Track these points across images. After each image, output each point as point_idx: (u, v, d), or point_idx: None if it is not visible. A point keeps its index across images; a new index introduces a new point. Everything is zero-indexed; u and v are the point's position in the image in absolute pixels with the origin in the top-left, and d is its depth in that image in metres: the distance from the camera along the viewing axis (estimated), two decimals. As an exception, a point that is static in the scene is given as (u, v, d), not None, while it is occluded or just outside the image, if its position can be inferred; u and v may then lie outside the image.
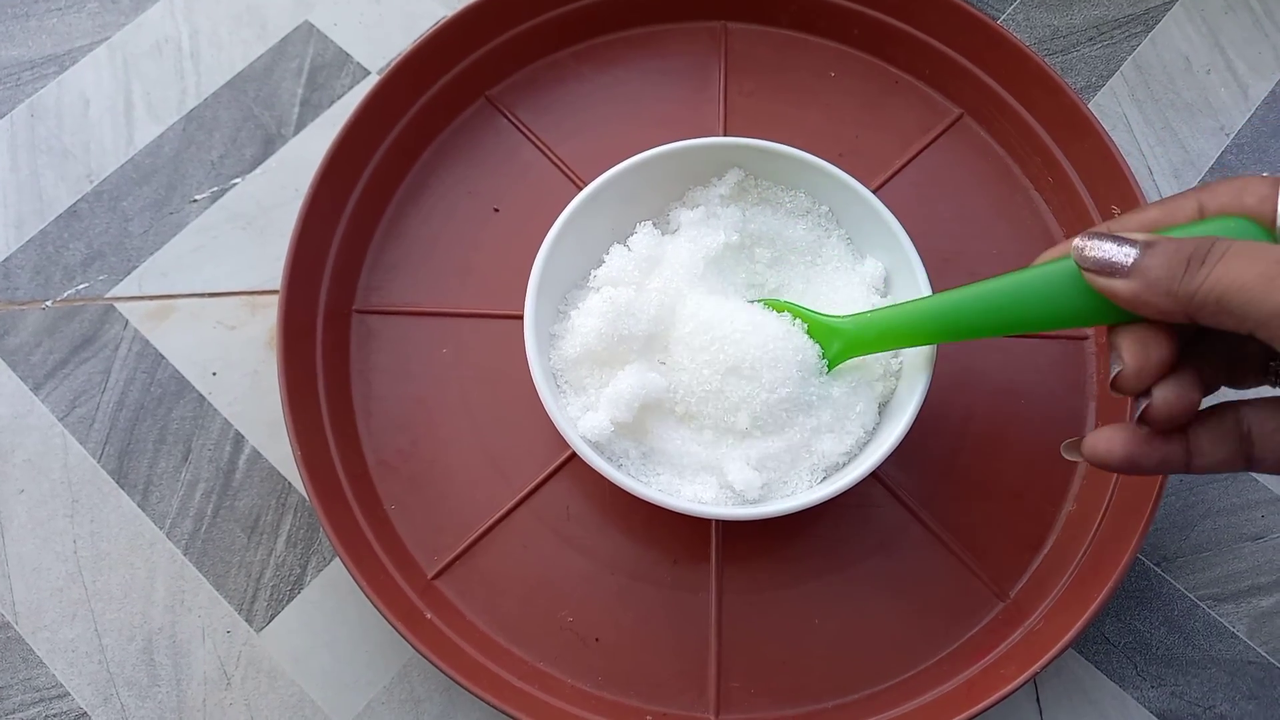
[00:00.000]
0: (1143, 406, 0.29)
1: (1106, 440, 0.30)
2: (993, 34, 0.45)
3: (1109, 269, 0.28)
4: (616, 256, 0.39)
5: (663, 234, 0.41)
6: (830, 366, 0.38)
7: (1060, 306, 0.30)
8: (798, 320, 0.38)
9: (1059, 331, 0.44)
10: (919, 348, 0.37)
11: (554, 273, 0.39)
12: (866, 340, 0.36)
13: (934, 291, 0.38)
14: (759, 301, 0.39)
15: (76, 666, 0.41)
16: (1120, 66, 0.51)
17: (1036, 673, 0.37)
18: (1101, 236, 0.28)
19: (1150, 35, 0.52)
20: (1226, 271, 0.25)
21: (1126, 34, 0.52)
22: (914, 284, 0.38)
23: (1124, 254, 0.28)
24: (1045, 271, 0.30)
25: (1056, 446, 0.42)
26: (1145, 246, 0.27)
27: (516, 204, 0.46)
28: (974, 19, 0.46)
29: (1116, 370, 0.29)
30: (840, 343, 0.37)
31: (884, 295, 0.40)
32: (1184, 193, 0.29)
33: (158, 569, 0.42)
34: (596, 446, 0.37)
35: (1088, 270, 0.28)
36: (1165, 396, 0.28)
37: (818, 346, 0.38)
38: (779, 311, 0.38)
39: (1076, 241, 0.29)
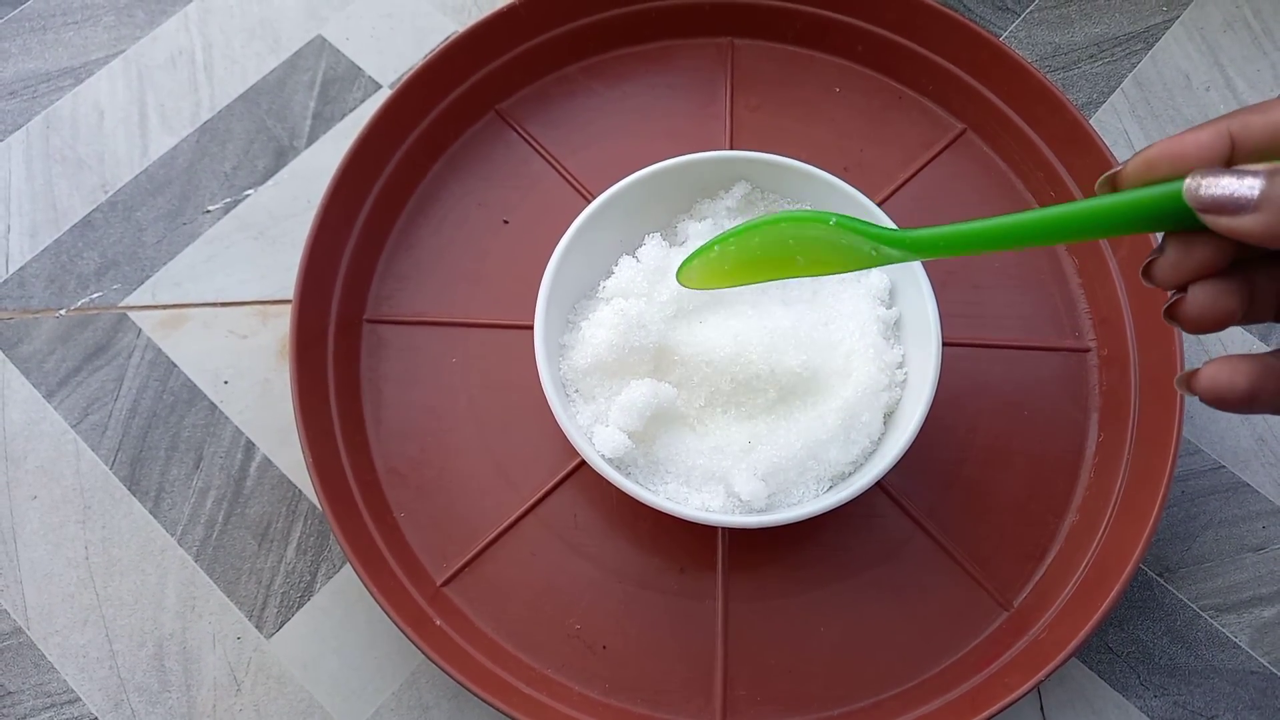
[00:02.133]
0: (1172, 300, 0.26)
1: (1230, 371, 0.26)
2: (995, 51, 0.46)
3: (1231, 206, 0.24)
4: (626, 268, 0.40)
5: (671, 246, 0.42)
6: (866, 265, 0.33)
7: (1143, 226, 0.26)
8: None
9: (1062, 344, 0.45)
10: (927, 360, 0.38)
11: (563, 284, 0.40)
12: (930, 246, 0.31)
13: (938, 305, 0.38)
14: (793, 216, 0.34)
15: (87, 672, 0.41)
16: (1121, 83, 0.52)
17: (1040, 682, 0.37)
18: (1217, 172, 0.25)
19: (1150, 53, 0.53)
20: None
21: (1127, 51, 0.53)
22: (919, 296, 0.39)
23: (1247, 187, 0.24)
24: (1142, 200, 0.26)
25: (1059, 457, 0.43)
26: (1270, 175, 0.24)
27: (526, 216, 0.47)
28: (977, 36, 0.46)
29: (1153, 256, 0.26)
30: (909, 252, 0.32)
31: (889, 308, 0.41)
32: (1211, 122, 0.26)
33: (169, 575, 0.42)
34: (607, 458, 0.37)
35: (1204, 211, 0.25)
36: (1201, 295, 0.26)
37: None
38: (820, 222, 0.33)
39: (1188, 182, 0.25)
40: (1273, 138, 0.25)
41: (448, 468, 0.43)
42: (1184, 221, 0.25)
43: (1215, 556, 0.43)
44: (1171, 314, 0.27)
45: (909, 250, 0.31)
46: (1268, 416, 0.45)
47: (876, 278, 0.41)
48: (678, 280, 0.37)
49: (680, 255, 0.40)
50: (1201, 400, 0.27)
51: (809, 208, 0.42)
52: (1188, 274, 0.26)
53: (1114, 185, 0.27)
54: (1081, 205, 0.27)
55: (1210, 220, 0.25)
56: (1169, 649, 0.42)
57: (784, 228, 0.33)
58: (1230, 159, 0.26)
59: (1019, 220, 0.28)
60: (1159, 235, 0.27)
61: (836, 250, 0.33)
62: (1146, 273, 0.27)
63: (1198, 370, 0.27)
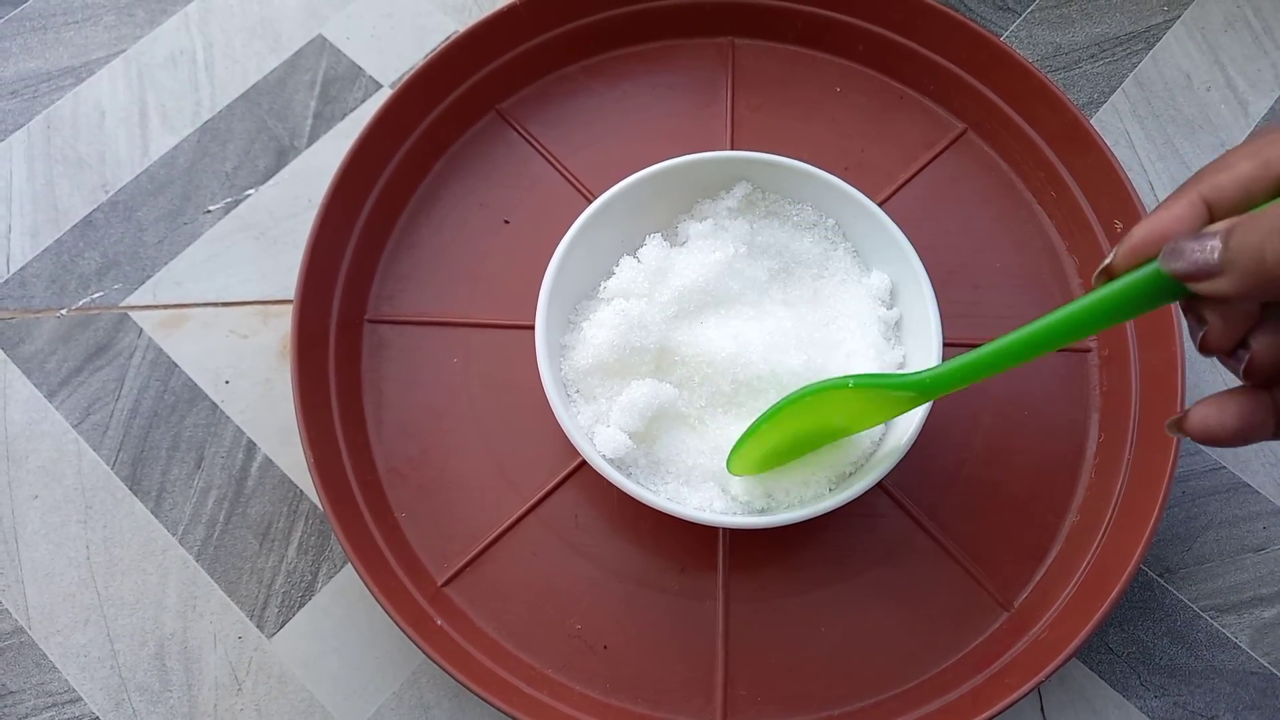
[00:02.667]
0: (1245, 359, 0.26)
1: (1218, 412, 0.27)
2: (996, 50, 0.46)
3: (1201, 273, 0.25)
4: (626, 268, 0.40)
5: (671, 246, 0.42)
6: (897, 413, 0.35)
7: (1143, 308, 0.27)
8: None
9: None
10: (928, 360, 0.38)
11: (564, 284, 0.40)
12: (947, 384, 0.33)
13: (938, 305, 0.38)
14: (814, 389, 0.35)
15: (89, 671, 0.41)
16: (1122, 83, 0.52)
17: (1041, 682, 0.37)
18: (1180, 244, 0.25)
19: (1151, 52, 0.53)
20: None
21: (1128, 51, 0.53)
22: (920, 297, 0.39)
23: (1209, 251, 0.25)
24: (1131, 285, 0.27)
25: (1060, 458, 0.43)
26: (1226, 235, 0.24)
27: (527, 216, 0.47)
28: (978, 36, 0.46)
29: (1203, 331, 0.26)
30: (916, 394, 0.33)
31: (890, 307, 0.41)
32: (1181, 191, 0.26)
33: (170, 575, 0.42)
34: (608, 458, 0.37)
35: (1183, 281, 0.25)
36: (1266, 343, 0.26)
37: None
38: (840, 388, 0.34)
39: (1158, 261, 0.26)
40: (1244, 192, 0.26)
41: (449, 468, 0.43)
42: (1185, 291, 0.26)
43: (1216, 557, 0.43)
44: (1249, 373, 0.27)
45: (925, 392, 0.33)
46: (1268, 417, 0.45)
47: (877, 278, 0.41)
48: (729, 471, 0.38)
49: (681, 255, 0.40)
50: (1194, 440, 0.28)
51: (809, 208, 0.42)
52: (1239, 330, 0.26)
53: (1108, 275, 0.28)
54: (1084, 303, 0.28)
55: (1196, 289, 0.25)
56: (1169, 649, 0.42)
57: (809, 401, 0.35)
58: (1210, 222, 0.26)
59: (1028, 334, 0.30)
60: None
61: (867, 405, 0.34)
62: (1204, 347, 0.27)
63: (1187, 413, 0.28)
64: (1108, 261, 0.28)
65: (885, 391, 0.33)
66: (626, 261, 0.40)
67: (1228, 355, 0.27)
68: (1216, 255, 0.25)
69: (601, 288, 0.41)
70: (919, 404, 0.34)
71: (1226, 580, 0.43)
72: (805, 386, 0.35)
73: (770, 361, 0.38)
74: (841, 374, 0.36)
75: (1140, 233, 0.27)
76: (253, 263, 0.48)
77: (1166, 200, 0.27)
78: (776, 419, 0.35)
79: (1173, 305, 0.41)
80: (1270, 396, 0.27)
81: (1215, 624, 0.42)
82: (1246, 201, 0.26)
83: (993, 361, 0.32)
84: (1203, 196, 0.26)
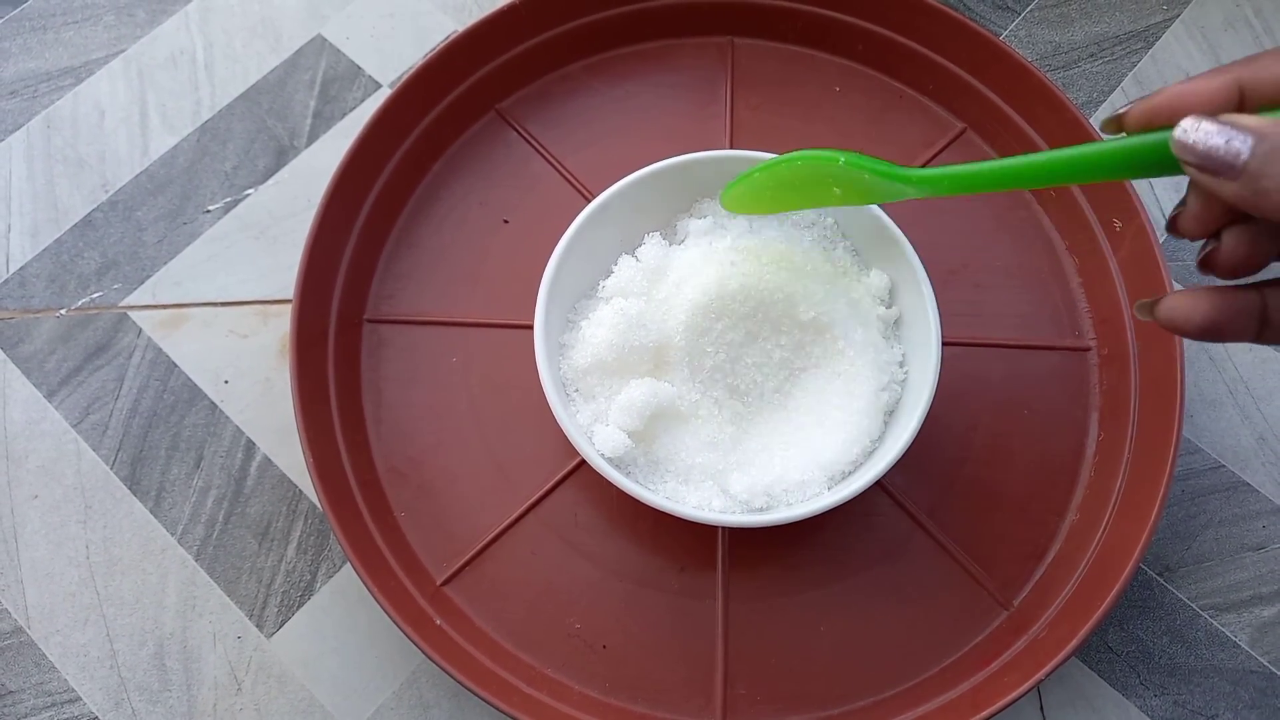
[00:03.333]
0: (1207, 251, 0.25)
1: (1190, 303, 0.26)
2: (996, 50, 0.46)
3: (1216, 164, 0.23)
4: (625, 267, 0.40)
5: (670, 245, 0.42)
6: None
7: (1136, 174, 0.26)
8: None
9: (1062, 343, 0.45)
10: (927, 359, 0.38)
11: (563, 283, 0.40)
12: (940, 187, 0.33)
13: (938, 304, 0.38)
14: (805, 156, 0.36)
15: (88, 671, 0.41)
16: (1121, 82, 0.52)
17: (1040, 681, 0.37)
18: (1205, 122, 0.23)
19: (1150, 51, 0.53)
20: None
21: (1127, 50, 0.53)
22: (919, 296, 0.39)
23: (1238, 143, 0.23)
24: (1135, 147, 0.26)
25: (1059, 457, 0.43)
26: (1258, 139, 0.23)
27: (526, 215, 0.47)
28: (977, 35, 0.46)
29: (1177, 211, 0.25)
30: (923, 190, 0.33)
31: (889, 306, 0.41)
32: (1220, 70, 0.24)
33: (169, 575, 0.42)
34: (607, 457, 0.37)
35: (1190, 165, 0.24)
36: (1234, 241, 0.25)
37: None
38: (824, 162, 0.35)
39: (1176, 130, 0.24)
40: None
41: (448, 467, 0.43)
42: (1180, 169, 0.25)
43: (1215, 556, 0.43)
44: (1207, 264, 0.26)
45: (913, 185, 0.33)
46: (1267, 415, 0.45)
47: (876, 277, 0.41)
48: (722, 204, 0.39)
49: (680, 253, 0.40)
50: (1161, 326, 0.27)
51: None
52: (1213, 222, 0.26)
53: (1117, 126, 0.26)
54: (1079, 150, 0.27)
55: (1193, 175, 0.24)
56: (1169, 648, 0.42)
57: (800, 166, 0.36)
58: (1240, 110, 0.24)
59: (1017, 163, 0.29)
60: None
61: (861, 183, 0.35)
62: (1172, 226, 0.26)
63: (1159, 299, 0.27)
64: (1121, 110, 0.26)
65: (872, 176, 0.34)
66: (625, 261, 0.40)
67: (1192, 240, 0.26)
68: (1241, 158, 0.23)
69: (601, 287, 0.41)
70: (900, 197, 0.34)
71: (1226, 579, 0.43)
72: (798, 152, 0.36)
73: (767, 361, 0.38)
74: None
75: (1165, 95, 0.25)
76: (252, 262, 0.48)
77: (1203, 74, 0.25)
78: (771, 170, 0.37)
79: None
80: (1247, 298, 0.26)
81: (1215, 623, 0.42)
82: None
83: (981, 178, 0.31)
84: (1240, 82, 0.24)
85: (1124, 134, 0.26)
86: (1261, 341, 0.27)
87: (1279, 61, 0.24)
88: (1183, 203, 0.26)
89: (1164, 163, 0.25)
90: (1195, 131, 0.24)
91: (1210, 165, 0.23)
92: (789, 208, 0.38)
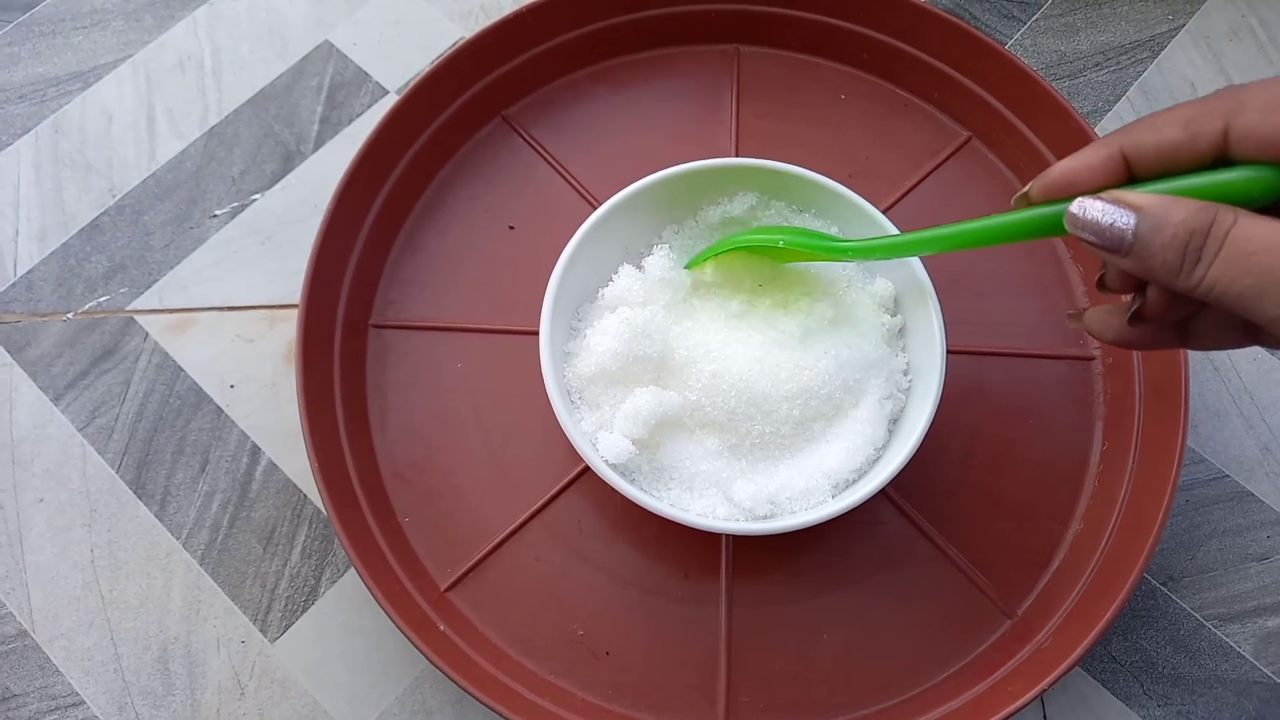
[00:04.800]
0: (1136, 305, 0.28)
1: (1101, 321, 0.30)
2: (1001, 59, 0.46)
3: (1105, 243, 0.25)
4: (625, 277, 0.40)
5: (674, 254, 0.42)
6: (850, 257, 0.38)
7: (1050, 234, 0.29)
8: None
9: (1066, 352, 0.45)
10: (931, 367, 0.38)
11: (569, 290, 0.40)
12: (874, 254, 0.37)
13: (942, 313, 0.38)
14: (744, 243, 0.39)
15: (92, 675, 0.41)
16: (1126, 91, 0.52)
17: (1043, 690, 0.37)
18: (1092, 201, 0.25)
19: (1156, 61, 0.53)
20: (1224, 272, 0.24)
21: (1133, 60, 0.53)
22: (924, 304, 0.39)
23: (1121, 224, 0.25)
24: (1035, 218, 0.29)
25: (1063, 466, 0.43)
26: (1140, 217, 0.25)
27: (531, 222, 0.47)
28: (982, 44, 0.46)
29: (1102, 273, 0.28)
30: (859, 258, 0.37)
31: (894, 315, 0.41)
32: (1214, 99, 0.25)
33: (174, 579, 0.42)
34: (611, 464, 0.37)
35: (1084, 240, 0.26)
36: (1157, 296, 0.28)
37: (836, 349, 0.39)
38: (771, 245, 0.38)
39: (1069, 210, 0.26)
40: (1165, 159, 0.26)
41: (452, 473, 0.43)
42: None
43: (1219, 566, 0.43)
44: (1137, 317, 0.29)
45: (849, 254, 0.37)
46: (1272, 425, 0.45)
47: (881, 285, 0.41)
48: (686, 268, 0.41)
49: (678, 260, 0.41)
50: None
51: (813, 215, 0.42)
52: (1134, 280, 0.28)
53: (1028, 202, 0.29)
54: (992, 221, 0.30)
55: (1092, 250, 0.26)
56: (1173, 658, 0.42)
57: (747, 245, 0.39)
58: (1130, 178, 0.26)
59: (941, 232, 0.33)
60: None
61: (806, 252, 0.38)
62: (1100, 285, 0.29)
63: (1084, 310, 0.31)
64: (1024, 191, 0.29)
65: (813, 249, 0.38)
66: (626, 270, 0.40)
67: (1120, 295, 0.29)
68: (1128, 237, 0.25)
69: (599, 295, 0.41)
70: (845, 258, 0.37)
71: (1230, 589, 0.43)
72: (738, 235, 0.40)
73: (769, 374, 0.38)
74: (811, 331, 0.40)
75: (1055, 173, 0.27)
76: (258, 267, 0.48)
77: (1089, 145, 0.27)
78: (723, 253, 0.40)
79: None
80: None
81: (1219, 633, 0.42)
82: (1164, 168, 0.26)
83: (907, 244, 0.35)
84: (1123, 150, 0.26)
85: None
86: (1189, 347, 0.29)
87: (1156, 130, 0.26)
88: (1104, 265, 0.28)
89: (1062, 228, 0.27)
90: (1083, 211, 0.26)
91: (1101, 242, 0.25)
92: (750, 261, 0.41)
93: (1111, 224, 0.25)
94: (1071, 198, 0.27)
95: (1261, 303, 0.23)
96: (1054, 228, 0.28)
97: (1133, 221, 0.25)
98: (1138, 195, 0.25)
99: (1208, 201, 0.24)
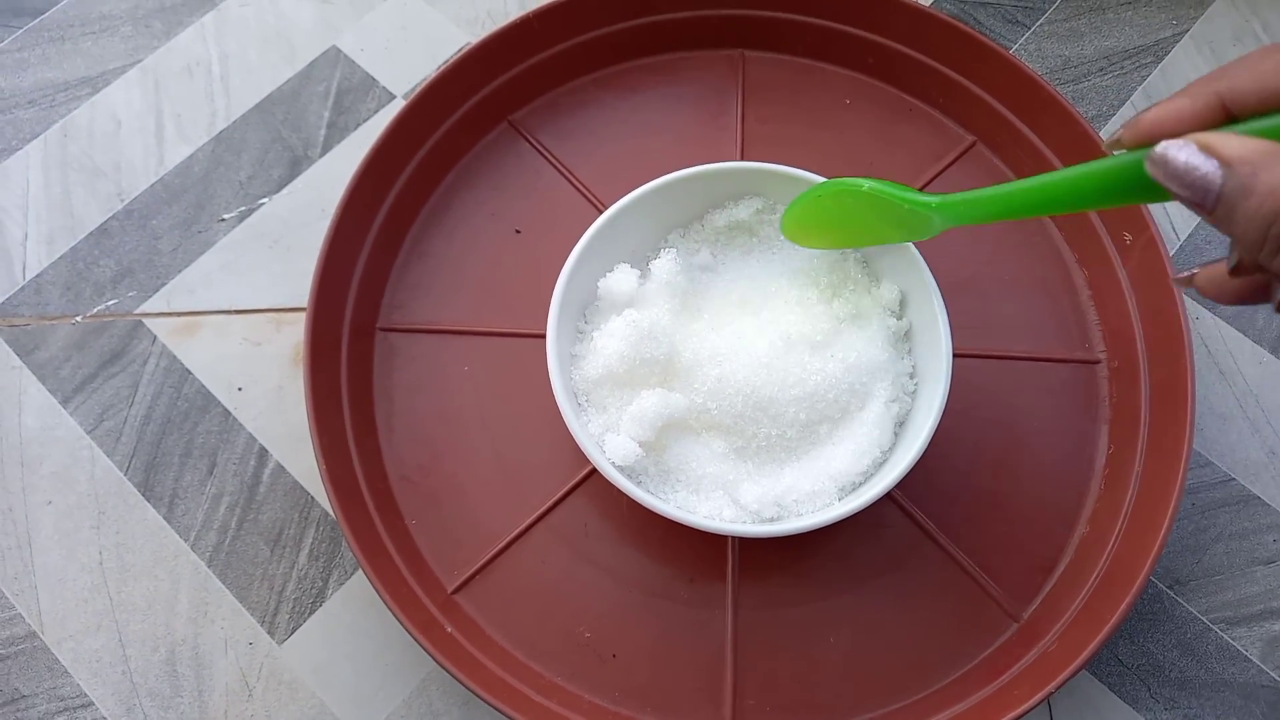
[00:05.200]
0: (1237, 255, 0.24)
1: (1216, 288, 0.27)
2: (1005, 63, 0.46)
3: (1192, 196, 0.22)
4: (621, 272, 0.40)
5: (681, 258, 0.42)
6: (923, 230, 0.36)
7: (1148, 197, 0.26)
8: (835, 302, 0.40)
9: (1072, 356, 0.45)
10: (937, 370, 0.38)
11: (575, 294, 0.40)
12: (973, 215, 0.34)
13: (948, 316, 0.39)
14: (831, 188, 0.38)
15: (100, 676, 0.41)
16: (1131, 96, 0.52)
17: (1050, 694, 0.37)
18: (1175, 149, 0.22)
19: (1160, 66, 0.53)
20: None
21: (1136, 64, 0.53)
22: (930, 308, 0.39)
23: (1207, 177, 0.22)
24: (1122, 166, 0.26)
25: (1069, 469, 0.43)
26: (1230, 173, 0.21)
27: (538, 226, 0.47)
28: (987, 49, 0.47)
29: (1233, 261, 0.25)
30: (942, 220, 0.35)
31: (900, 319, 0.41)
32: (1201, 83, 0.23)
33: (182, 581, 0.43)
34: (617, 466, 0.38)
35: (1171, 190, 0.23)
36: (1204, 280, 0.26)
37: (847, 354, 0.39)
38: (847, 192, 0.37)
39: (1153, 152, 0.23)
40: (1264, 96, 0.23)
41: (459, 475, 0.43)
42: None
43: (1226, 569, 0.43)
44: (1189, 281, 0.27)
45: (929, 210, 0.35)
46: (1278, 429, 0.45)
47: (887, 289, 0.41)
48: (782, 233, 0.41)
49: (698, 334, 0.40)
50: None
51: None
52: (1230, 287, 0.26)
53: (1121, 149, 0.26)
54: (1071, 173, 0.28)
55: (1175, 195, 0.23)
56: (1179, 662, 0.42)
57: (828, 198, 0.38)
58: (1228, 123, 0.23)
59: (1035, 184, 0.30)
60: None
61: (881, 215, 0.37)
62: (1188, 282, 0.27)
63: (1193, 273, 0.28)
64: (1116, 137, 0.26)
65: (893, 203, 0.36)
66: (621, 268, 0.41)
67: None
68: (1213, 191, 0.22)
69: (600, 286, 0.41)
70: (921, 227, 0.36)
71: (1237, 593, 0.43)
72: (827, 182, 0.38)
73: (775, 378, 0.38)
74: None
75: (1148, 118, 0.24)
76: (266, 271, 0.48)
77: (1186, 89, 0.24)
78: (808, 202, 0.39)
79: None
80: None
81: (1225, 636, 0.42)
82: (1264, 105, 0.23)
83: (1000, 203, 0.32)
84: (1220, 95, 0.23)
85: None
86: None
87: (1253, 71, 0.23)
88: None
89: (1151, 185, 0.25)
90: (1167, 156, 0.23)
91: (1187, 196, 0.22)
92: (835, 244, 0.41)
93: (1199, 176, 0.22)
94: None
95: None
96: (1142, 179, 0.25)
97: (1219, 178, 0.21)
98: (1234, 143, 0.21)
99: None
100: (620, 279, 0.40)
